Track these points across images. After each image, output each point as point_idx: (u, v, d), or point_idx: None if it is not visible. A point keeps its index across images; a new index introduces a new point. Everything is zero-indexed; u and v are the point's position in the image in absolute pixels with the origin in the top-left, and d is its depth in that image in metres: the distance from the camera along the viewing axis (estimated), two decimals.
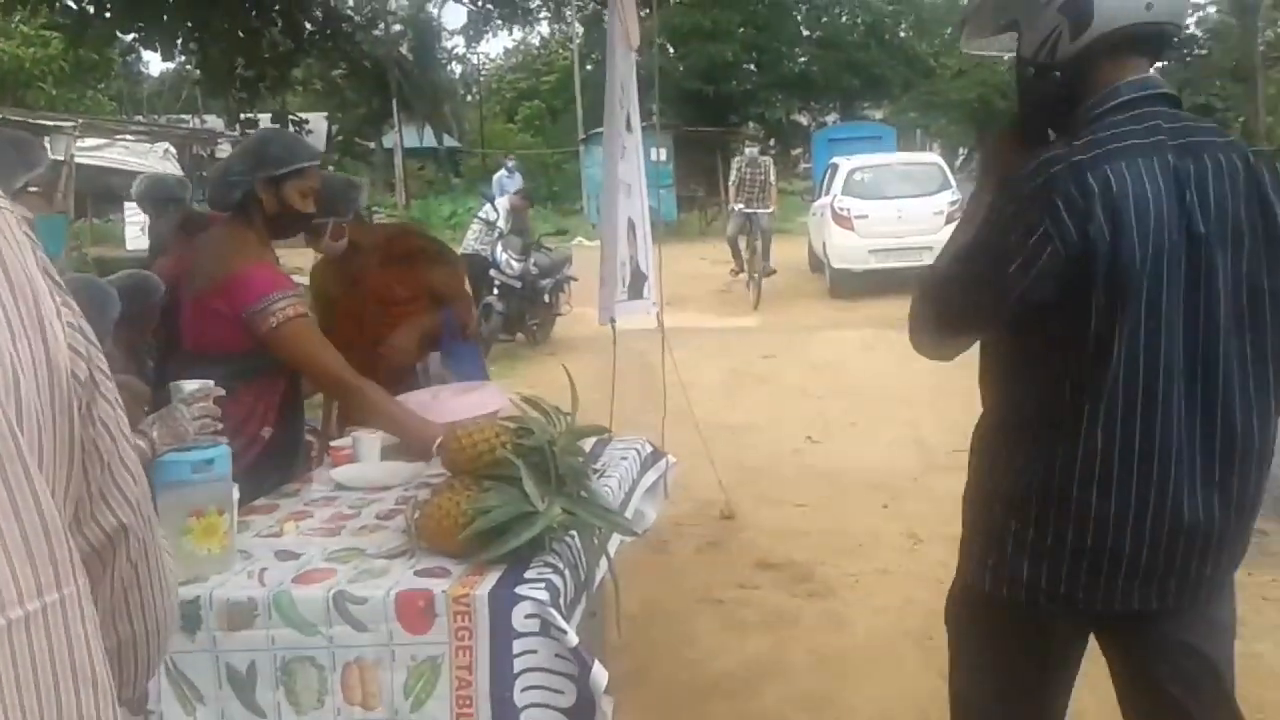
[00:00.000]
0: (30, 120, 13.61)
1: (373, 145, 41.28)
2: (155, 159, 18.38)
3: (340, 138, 41.02)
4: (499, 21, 27.40)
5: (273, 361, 2.90)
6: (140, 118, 26.98)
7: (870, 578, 4.50)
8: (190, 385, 2.20)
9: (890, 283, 13.64)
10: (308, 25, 5.91)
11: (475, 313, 4.72)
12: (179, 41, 5.45)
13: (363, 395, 2.89)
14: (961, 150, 67.90)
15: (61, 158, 14.45)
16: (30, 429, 0.67)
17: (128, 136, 16.68)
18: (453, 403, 3.13)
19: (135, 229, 18.16)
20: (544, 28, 42.90)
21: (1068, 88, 1.81)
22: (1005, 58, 2.00)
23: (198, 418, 2.12)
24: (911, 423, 7.13)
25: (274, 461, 2.95)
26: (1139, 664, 1.95)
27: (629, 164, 4.62)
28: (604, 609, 3.31)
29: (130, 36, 5.29)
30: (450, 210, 27.76)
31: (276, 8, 5.62)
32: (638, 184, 4.93)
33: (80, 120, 15.06)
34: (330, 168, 37.83)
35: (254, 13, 5.50)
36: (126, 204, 19.00)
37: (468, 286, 4.48)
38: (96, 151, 16.64)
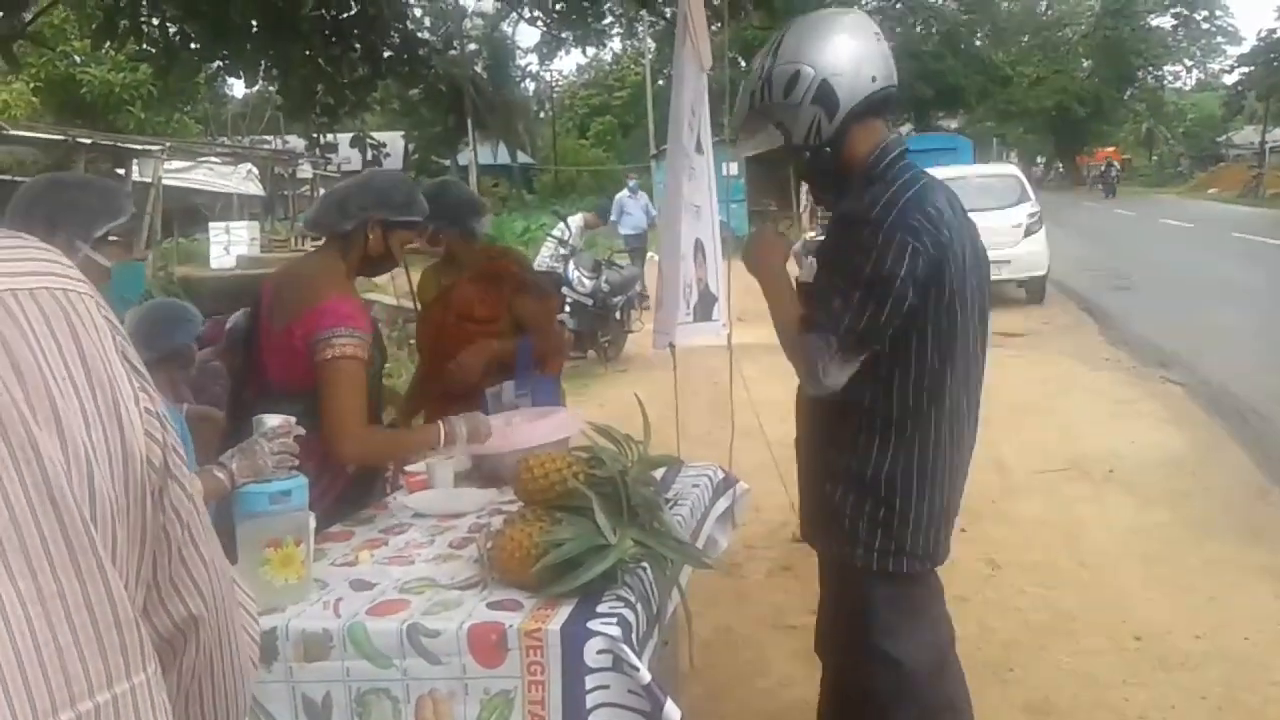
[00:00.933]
0: (120, 144, 14.04)
1: (447, 163, 41.84)
2: (239, 179, 18.87)
3: (416, 156, 41.69)
4: (571, 44, 27.62)
5: None
6: (225, 139, 27.72)
7: (948, 606, 4.40)
8: (273, 420, 2.23)
9: None
10: (386, 51, 5.99)
11: (564, 350, 4.70)
12: (261, 69, 5.58)
13: (368, 444, 2.85)
14: (1039, 159, 66.85)
15: (149, 180, 14.91)
16: (104, 519, 0.68)
17: (212, 159, 17.11)
18: (526, 428, 3.14)
19: (219, 248, 18.67)
20: (616, 44, 43.20)
21: (837, 157, 2.32)
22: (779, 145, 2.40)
23: (277, 453, 2.15)
24: (991, 443, 6.96)
25: (356, 497, 2.97)
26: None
27: (698, 185, 4.59)
28: (676, 637, 3.29)
29: (215, 65, 5.43)
30: (524, 226, 27.98)
31: (355, 34, 5.72)
32: (708, 205, 4.90)
33: (168, 144, 15.49)
34: None
35: (334, 39, 5.59)
36: (211, 224, 19.55)
37: (561, 324, 4.51)
38: (183, 173, 17.11)
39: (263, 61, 5.23)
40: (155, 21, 4.69)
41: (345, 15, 5.57)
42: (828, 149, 2.30)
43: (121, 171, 14.45)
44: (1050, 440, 6.92)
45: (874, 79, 2.28)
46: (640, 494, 2.36)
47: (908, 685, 2.42)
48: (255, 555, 2.11)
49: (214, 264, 18.13)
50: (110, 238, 2.19)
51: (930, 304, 2.22)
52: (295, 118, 6.41)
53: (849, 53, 2.27)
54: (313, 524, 2.31)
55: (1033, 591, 4.53)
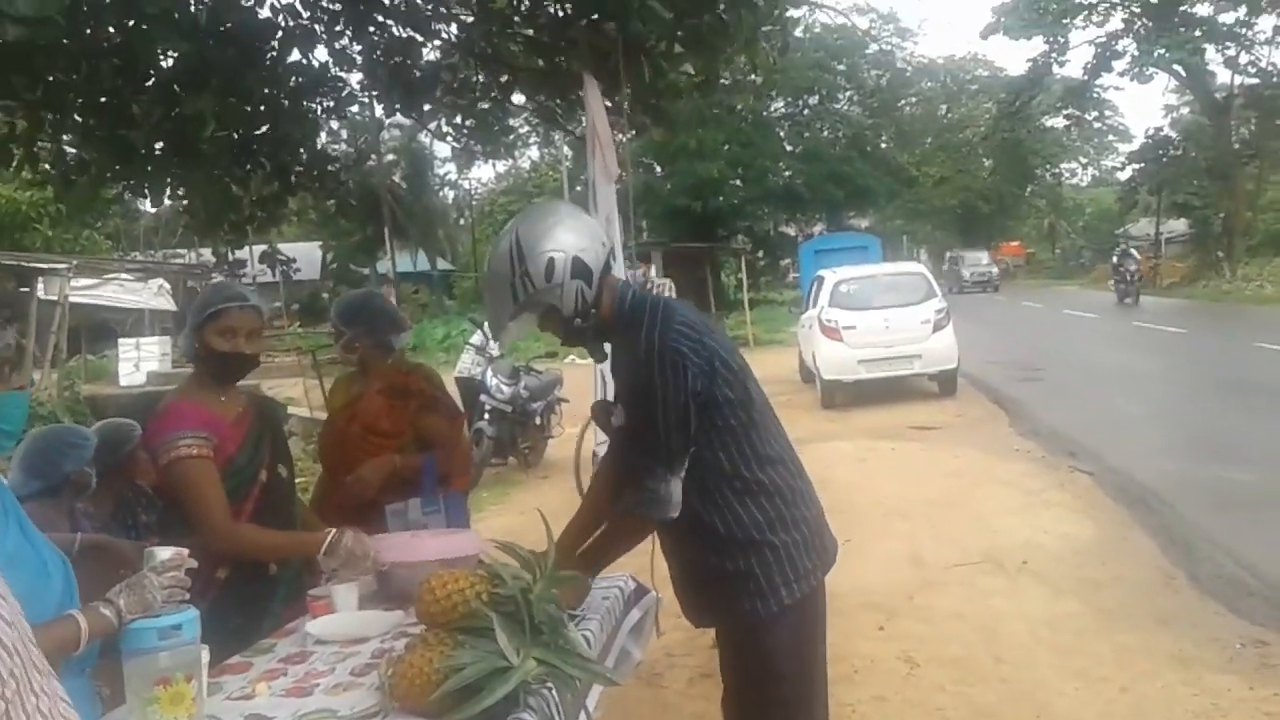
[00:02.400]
0: (24, 264, 13.78)
1: (366, 271, 41.77)
2: (149, 295, 18.58)
3: (334, 265, 41.55)
4: (481, 157, 28.04)
5: (229, 501, 2.98)
6: (136, 254, 27.37)
7: (866, 707, 4.40)
8: (163, 553, 2.18)
9: (880, 393, 13.71)
10: (297, 167, 6.01)
11: (470, 468, 4.67)
12: (167, 188, 5.55)
13: (237, 540, 2.96)
14: (948, 255, 68.94)
15: (55, 298, 14.61)
16: None
17: (122, 275, 16.87)
18: (429, 543, 3.10)
19: (129, 365, 18.28)
20: (534, 151, 43.89)
21: (598, 312, 2.63)
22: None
23: (167, 586, 2.10)
24: (907, 537, 7.07)
25: (234, 604, 2.94)
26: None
27: None
28: None
29: (118, 187, 5.39)
30: (444, 333, 27.97)
31: (265, 152, 5.73)
32: None
33: (74, 262, 15.24)
34: (325, 295, 37.97)
35: (242, 158, 5.60)
36: (121, 341, 19.17)
37: (467, 443, 4.51)
38: (91, 290, 16.81)
39: (168, 182, 5.20)
40: (50, 147, 4.67)
41: (254, 133, 5.58)
42: (593, 310, 2.63)
43: (26, 290, 14.16)
44: (965, 533, 7.02)
45: (603, 244, 2.66)
46: (544, 612, 2.34)
47: (803, 701, 2.73)
48: (144, 694, 2.04)
49: (123, 381, 17.72)
50: None
51: (718, 388, 2.59)
52: (203, 235, 6.37)
53: (580, 229, 2.63)
54: (206, 658, 2.25)
55: (952, 689, 4.54)
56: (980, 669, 4.74)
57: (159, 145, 4.58)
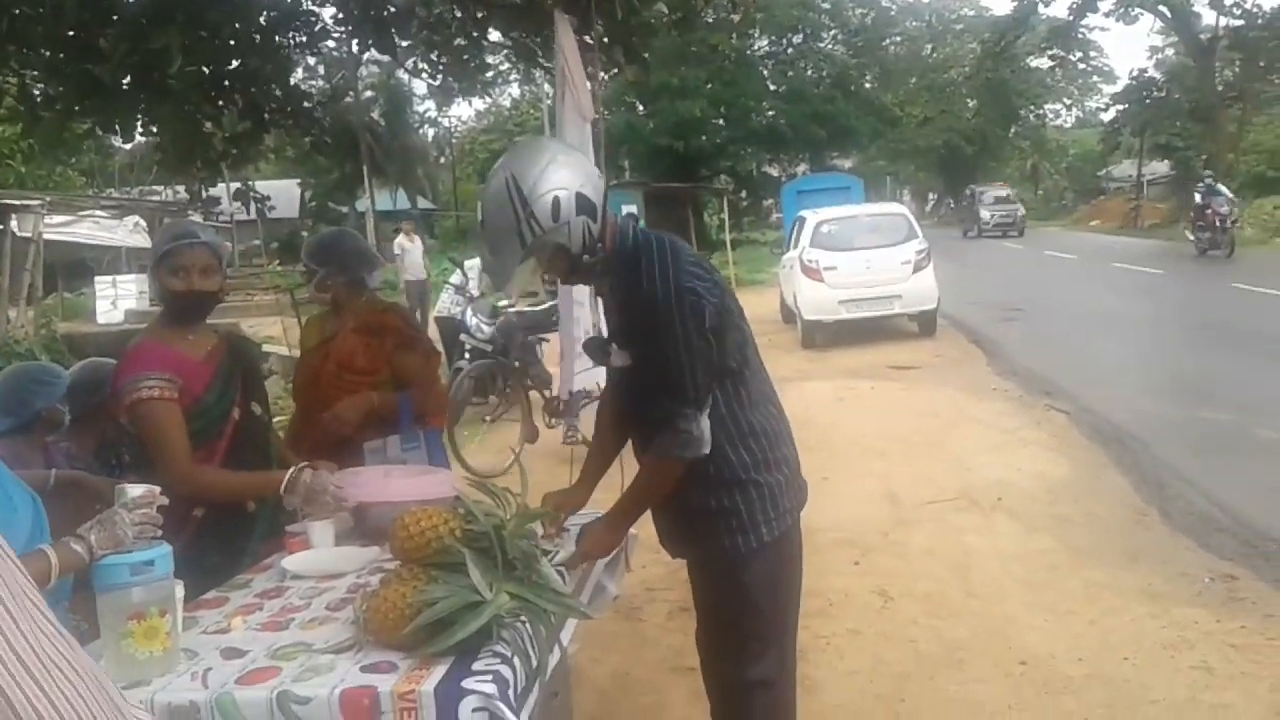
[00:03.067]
0: None
1: (345, 210, 41.39)
2: (125, 233, 18.37)
3: (313, 203, 41.16)
4: (458, 95, 27.70)
5: (199, 440, 3.00)
6: (112, 191, 27.00)
7: (841, 639, 4.48)
8: (135, 490, 2.18)
9: (861, 333, 13.77)
10: (270, 104, 5.92)
11: (445, 407, 4.63)
12: (139, 125, 5.47)
13: (198, 482, 2.98)
14: (931, 195, 68.82)
15: (30, 235, 14.43)
16: None
17: (97, 212, 16.65)
18: (403, 483, 3.11)
19: (106, 303, 18.13)
20: (515, 89, 43.36)
21: (604, 247, 2.61)
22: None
23: (138, 523, 2.10)
24: (883, 475, 7.14)
25: (212, 542, 2.96)
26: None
27: None
28: (569, 687, 3.28)
29: (89, 124, 5.30)
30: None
31: (237, 89, 5.64)
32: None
33: (48, 199, 15.02)
34: (304, 233, 37.72)
35: (212, 94, 5.51)
36: (97, 278, 18.98)
37: (443, 379, 4.50)
38: (66, 227, 16.60)
39: (138, 117, 5.11)
40: (15, 82, 4.58)
41: (226, 69, 5.48)
42: (600, 245, 2.60)
43: (0, 228, 13.98)
44: (941, 471, 7.09)
45: (600, 175, 2.65)
46: (517, 547, 2.36)
47: (773, 636, 2.80)
48: (118, 628, 2.05)
49: (101, 319, 17.58)
50: None
51: (728, 327, 2.62)
52: (175, 172, 6.28)
53: (575, 164, 2.59)
54: (180, 593, 2.26)
55: (924, 622, 4.62)
56: (952, 603, 4.82)
57: (126, 80, 4.49)
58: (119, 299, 18.17)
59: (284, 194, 38.54)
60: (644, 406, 2.67)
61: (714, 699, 2.94)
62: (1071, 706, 3.75)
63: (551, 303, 11.43)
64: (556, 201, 2.50)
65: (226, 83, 5.54)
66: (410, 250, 16.39)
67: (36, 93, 4.64)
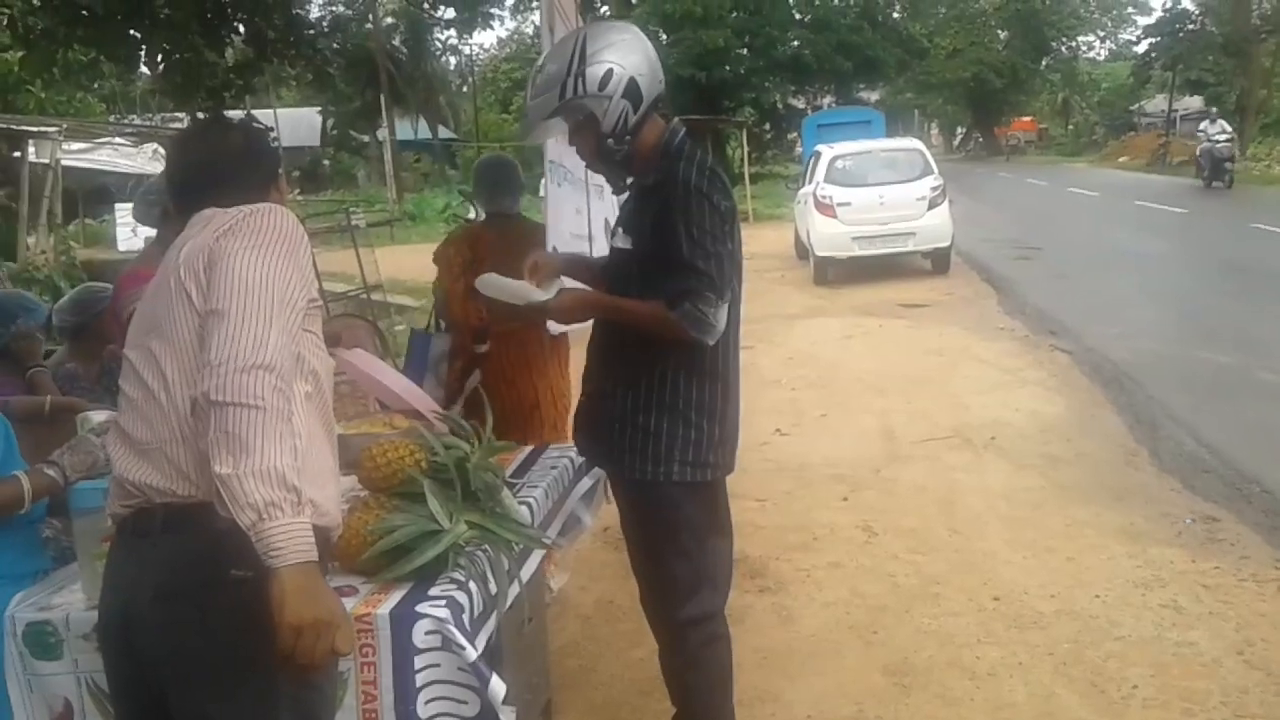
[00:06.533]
0: (13, 126, 13.63)
1: (367, 139, 41.26)
2: (144, 159, 18.40)
3: (335, 132, 41.04)
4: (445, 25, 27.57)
5: None
6: (134, 117, 27.00)
7: (821, 572, 4.58)
8: (98, 416, 2.28)
9: (874, 270, 13.74)
10: (270, 33, 5.94)
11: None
12: (142, 55, 5.51)
13: None
14: (959, 129, 67.75)
15: (47, 161, 14.51)
16: None
17: (115, 139, 16.70)
18: (391, 377, 3.23)
19: (126, 230, 18.21)
20: (537, 16, 42.80)
21: (631, 145, 2.67)
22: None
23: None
24: (881, 412, 7.21)
25: None
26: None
27: None
28: (545, 614, 3.40)
29: (92, 54, 5.34)
30: (444, 204, 27.77)
31: (238, 20, 5.67)
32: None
33: (64, 125, 15.05)
34: (325, 162, 37.49)
35: (216, 22, 5.54)
36: (118, 205, 19.06)
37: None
38: (84, 154, 16.65)
39: (140, 48, 5.16)
40: (7, 12, 4.61)
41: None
42: (628, 138, 2.65)
43: (18, 154, 14.05)
44: (938, 410, 7.15)
45: (660, 81, 2.69)
46: (480, 479, 2.46)
47: (704, 576, 2.80)
48: (92, 550, 2.17)
49: (121, 246, 17.65)
50: None
51: (738, 260, 2.67)
52: (178, 101, 6.33)
53: (646, 56, 2.66)
54: None
55: (905, 557, 4.72)
56: (934, 539, 4.91)
57: (118, 13, 4.52)
58: (139, 226, 18.21)
59: (305, 122, 38.43)
60: (638, 296, 2.63)
61: (655, 634, 2.98)
62: (1038, 640, 3.85)
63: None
64: (610, 73, 2.58)
65: (229, 12, 5.56)
66: None
67: (32, 23, 4.68)
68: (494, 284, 2.76)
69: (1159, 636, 3.83)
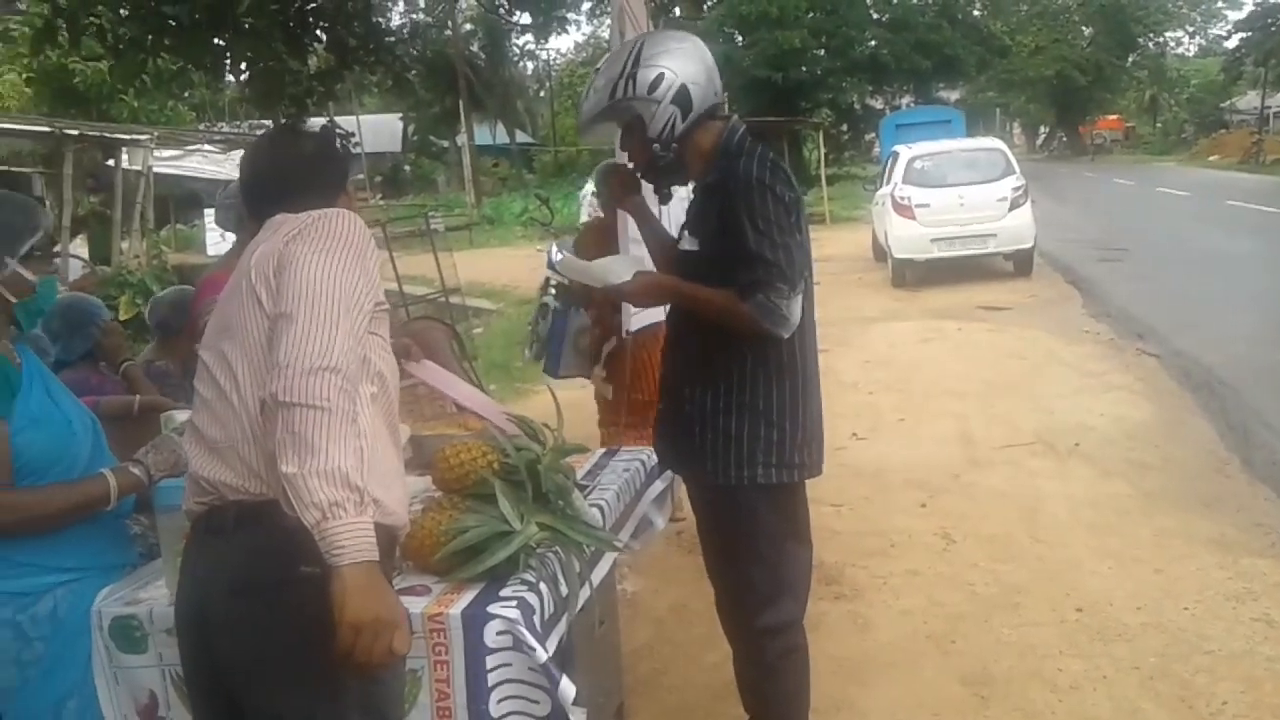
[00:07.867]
0: (107, 135, 14.10)
1: (446, 144, 41.84)
2: (232, 166, 18.87)
3: (415, 137, 41.68)
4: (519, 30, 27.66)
5: None
6: (222, 125, 27.69)
7: (899, 579, 4.51)
8: (180, 416, 2.33)
9: (953, 272, 13.52)
10: (351, 40, 6.05)
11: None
12: (227, 65, 5.64)
13: None
14: (1043, 128, 66.42)
15: (140, 168, 14.97)
16: None
17: (205, 146, 17.18)
18: (462, 388, 3.25)
19: (215, 235, 18.71)
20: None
21: (678, 154, 2.68)
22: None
23: None
24: (961, 417, 7.08)
25: None
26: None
27: None
28: (615, 617, 3.40)
29: (179, 65, 5.48)
30: (521, 208, 28.03)
31: (321, 25, 5.78)
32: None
33: (156, 133, 15.54)
34: (406, 167, 38.14)
35: (298, 30, 5.65)
36: (207, 210, 19.60)
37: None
38: (175, 161, 17.16)
39: (226, 58, 5.29)
40: (97, 23, 4.76)
41: (310, 6, 5.62)
42: (674, 144, 2.66)
43: (111, 162, 14.53)
44: (1020, 414, 7.00)
45: (716, 93, 2.70)
46: (552, 481, 2.46)
47: (783, 583, 2.76)
48: (175, 546, 2.21)
49: (210, 250, 18.15)
50: (35, 252, 2.28)
51: (808, 252, 2.64)
52: (262, 109, 6.48)
53: (703, 65, 2.66)
54: None
55: (985, 565, 4.62)
56: (1016, 547, 4.80)
57: (201, 22, 4.64)
58: (227, 231, 18.71)
59: (386, 128, 39.07)
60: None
61: (731, 642, 2.95)
62: (1124, 653, 3.74)
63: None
64: (660, 78, 2.59)
65: (310, 20, 5.67)
66: None
67: (121, 33, 4.82)
68: (573, 266, 2.77)
69: (1251, 651, 3.70)
